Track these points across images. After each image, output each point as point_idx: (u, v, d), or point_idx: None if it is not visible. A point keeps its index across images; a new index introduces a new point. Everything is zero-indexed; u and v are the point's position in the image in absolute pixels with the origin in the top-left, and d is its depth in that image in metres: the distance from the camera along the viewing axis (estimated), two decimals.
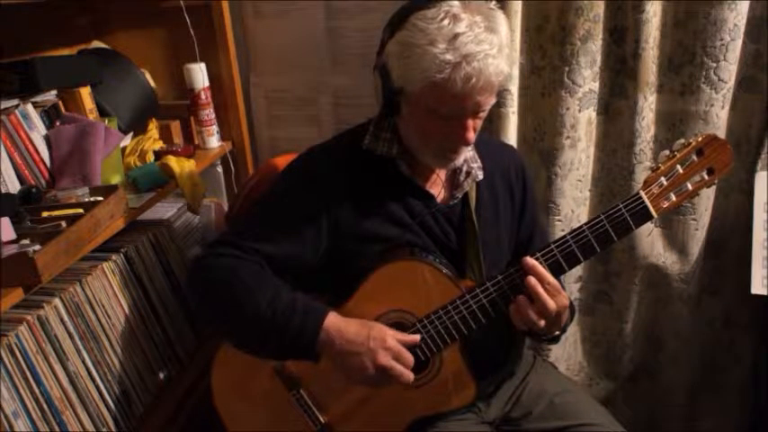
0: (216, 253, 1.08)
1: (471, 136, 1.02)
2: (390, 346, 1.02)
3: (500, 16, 0.99)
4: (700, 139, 1.04)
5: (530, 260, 1.03)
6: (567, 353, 1.75)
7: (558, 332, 1.15)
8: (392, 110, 1.06)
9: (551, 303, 1.02)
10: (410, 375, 1.04)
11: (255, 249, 1.07)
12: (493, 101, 1.02)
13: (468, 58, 0.93)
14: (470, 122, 1.01)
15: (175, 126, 1.70)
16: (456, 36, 0.93)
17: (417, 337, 1.07)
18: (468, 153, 1.12)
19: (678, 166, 1.04)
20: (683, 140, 1.06)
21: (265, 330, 1.03)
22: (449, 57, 0.93)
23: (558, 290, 1.04)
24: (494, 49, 0.95)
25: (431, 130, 1.03)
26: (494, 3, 1.01)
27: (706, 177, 1.05)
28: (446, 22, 0.94)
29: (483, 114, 1.04)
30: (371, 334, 1.02)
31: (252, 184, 1.40)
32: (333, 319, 1.03)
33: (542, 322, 1.04)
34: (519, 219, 1.24)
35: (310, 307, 1.04)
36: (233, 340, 1.11)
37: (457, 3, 0.96)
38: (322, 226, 1.09)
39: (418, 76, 0.97)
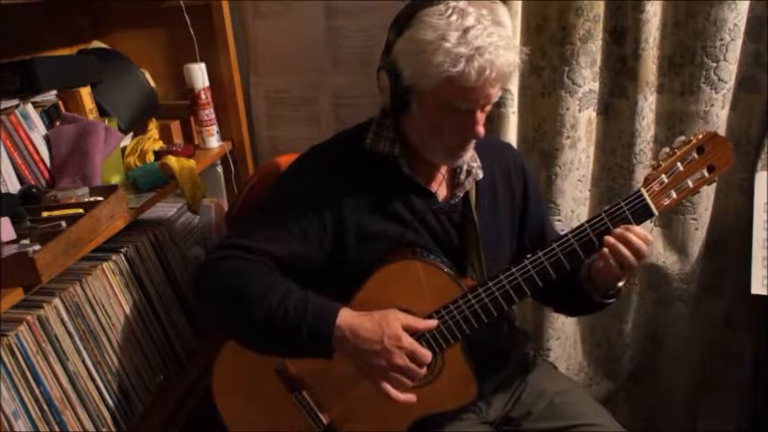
0: (222, 256, 1.07)
1: (482, 129, 1.04)
2: (405, 345, 1.01)
3: (502, 8, 1.00)
4: (700, 136, 1.04)
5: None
6: (566, 353, 1.75)
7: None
8: (401, 109, 1.06)
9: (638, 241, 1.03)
10: (421, 374, 1.03)
11: (261, 250, 1.06)
12: (500, 93, 1.03)
13: (480, 51, 0.94)
14: (480, 116, 1.02)
15: (175, 126, 1.70)
16: (467, 30, 0.94)
17: (435, 322, 1.06)
18: (473, 148, 1.13)
19: (678, 164, 1.04)
20: (683, 138, 1.06)
21: (278, 330, 1.02)
22: (462, 50, 0.94)
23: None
24: (503, 41, 0.96)
25: (442, 126, 1.04)
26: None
27: (707, 175, 1.05)
28: (454, 17, 0.95)
29: (489, 108, 1.05)
30: (386, 332, 1.00)
31: (252, 184, 1.40)
32: (346, 317, 1.02)
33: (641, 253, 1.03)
34: (523, 215, 1.24)
35: (322, 305, 1.03)
36: (246, 342, 1.09)
37: None
38: (327, 224, 1.09)
39: (432, 71, 0.97)
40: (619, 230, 1.03)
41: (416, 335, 1.04)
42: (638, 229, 1.04)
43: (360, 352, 1.01)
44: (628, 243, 1.03)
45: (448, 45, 0.94)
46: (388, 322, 1.02)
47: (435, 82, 0.98)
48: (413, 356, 1.01)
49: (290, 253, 1.07)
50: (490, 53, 0.95)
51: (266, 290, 1.03)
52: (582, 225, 1.05)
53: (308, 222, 1.09)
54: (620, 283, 1.12)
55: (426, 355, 1.02)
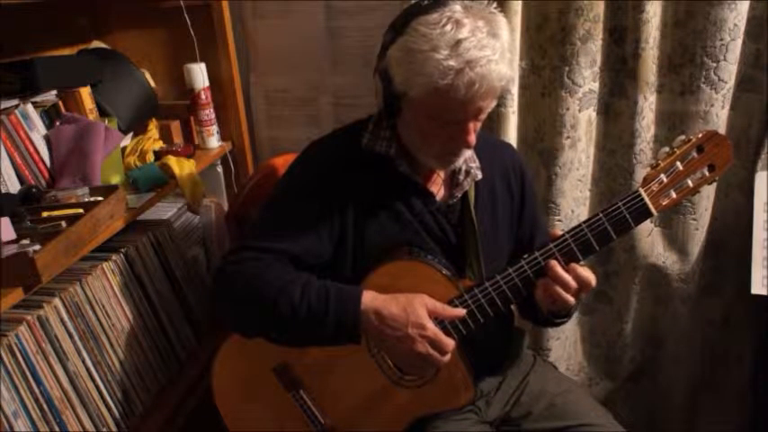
0: (237, 260, 1.07)
1: (473, 139, 1.03)
2: (429, 334, 1.00)
3: (501, 20, 0.98)
4: (700, 135, 1.04)
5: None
6: (567, 353, 1.75)
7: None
8: (393, 113, 1.06)
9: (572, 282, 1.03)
10: (443, 362, 1.03)
11: (275, 249, 1.07)
12: (494, 104, 1.02)
13: (471, 64, 0.93)
14: (472, 126, 1.02)
15: (175, 126, 1.70)
16: (459, 42, 0.93)
17: (462, 311, 1.05)
18: (467, 153, 1.13)
19: (678, 163, 1.04)
20: (683, 137, 1.06)
21: (305, 323, 1.02)
22: (452, 63, 0.93)
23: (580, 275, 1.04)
24: (496, 55, 0.95)
25: (432, 133, 1.04)
26: (494, 5, 1.01)
27: (707, 174, 1.04)
28: (449, 27, 0.94)
29: (483, 117, 1.04)
30: (410, 319, 1.00)
31: (252, 184, 1.40)
32: (370, 301, 1.01)
33: (570, 298, 1.03)
34: (518, 217, 1.24)
35: (343, 292, 1.03)
36: (276, 339, 1.09)
37: (459, 7, 0.96)
38: (333, 221, 1.10)
39: (421, 81, 0.97)
40: (553, 264, 1.03)
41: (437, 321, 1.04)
42: (579, 269, 1.03)
43: (383, 336, 1.01)
44: (557, 278, 1.03)
45: (438, 57, 0.93)
46: (413, 308, 1.01)
47: (424, 92, 0.97)
48: (435, 345, 1.01)
49: (303, 249, 1.08)
50: (481, 66, 0.93)
51: (286, 285, 1.03)
52: (579, 226, 1.05)
53: (316, 219, 1.09)
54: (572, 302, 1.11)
55: (449, 343, 1.01)
